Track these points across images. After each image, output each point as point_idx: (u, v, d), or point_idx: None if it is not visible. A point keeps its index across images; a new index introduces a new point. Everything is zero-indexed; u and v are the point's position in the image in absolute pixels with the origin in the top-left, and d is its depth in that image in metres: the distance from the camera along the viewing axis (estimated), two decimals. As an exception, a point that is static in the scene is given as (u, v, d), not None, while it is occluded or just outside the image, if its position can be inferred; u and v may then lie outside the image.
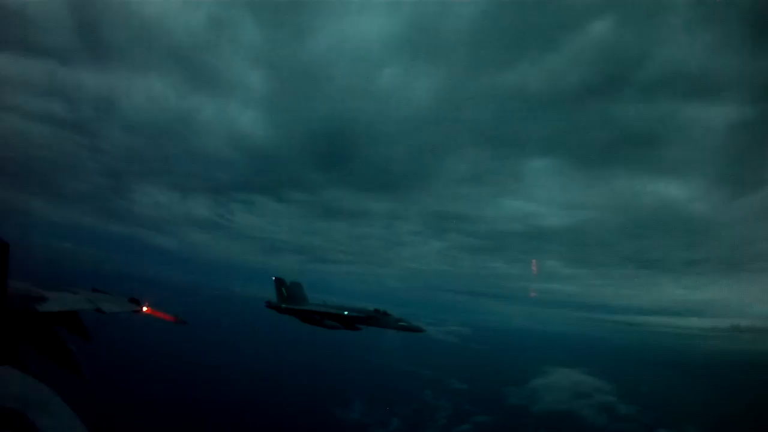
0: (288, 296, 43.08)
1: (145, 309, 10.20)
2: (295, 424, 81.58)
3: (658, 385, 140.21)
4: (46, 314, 7.41)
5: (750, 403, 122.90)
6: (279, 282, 43.80)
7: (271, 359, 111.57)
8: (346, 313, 41.56)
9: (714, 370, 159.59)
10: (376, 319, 40.19)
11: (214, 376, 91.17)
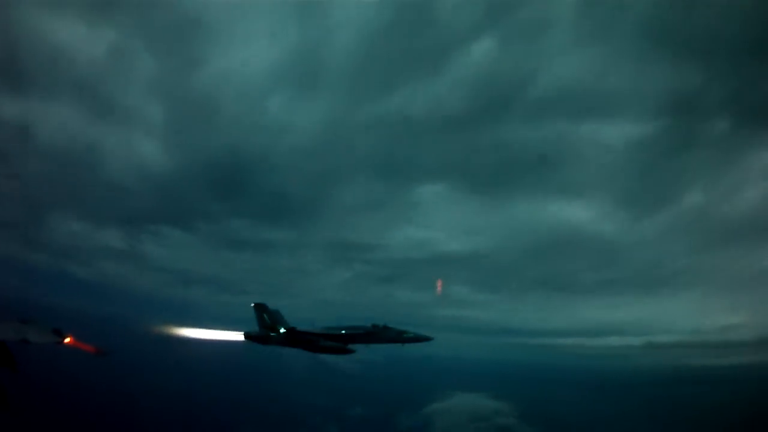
0: (270, 324, 39.12)
1: (67, 340, 10.20)
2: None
3: (564, 404, 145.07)
4: None
5: (653, 417, 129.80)
6: (260, 308, 39.67)
7: (169, 388, 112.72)
8: (343, 332, 38.94)
9: (624, 386, 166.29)
10: (376, 334, 37.91)
11: (129, 405, 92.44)
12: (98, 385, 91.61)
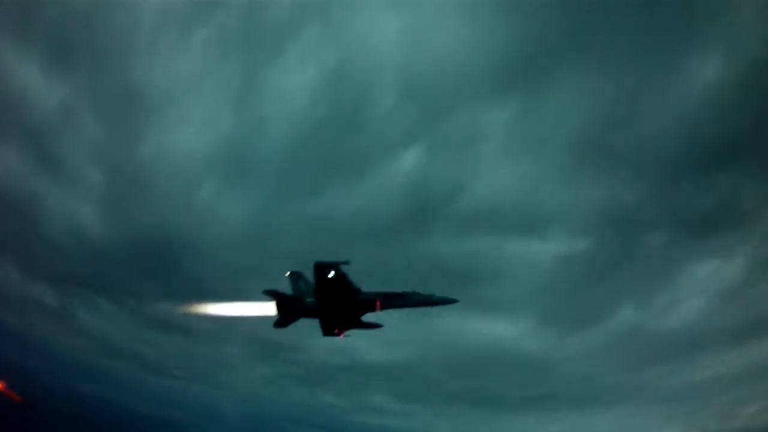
0: (307, 291, 38.83)
1: None
2: None
3: None
4: None
5: None
6: (296, 276, 39.70)
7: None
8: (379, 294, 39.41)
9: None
10: (408, 297, 39.35)
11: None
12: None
